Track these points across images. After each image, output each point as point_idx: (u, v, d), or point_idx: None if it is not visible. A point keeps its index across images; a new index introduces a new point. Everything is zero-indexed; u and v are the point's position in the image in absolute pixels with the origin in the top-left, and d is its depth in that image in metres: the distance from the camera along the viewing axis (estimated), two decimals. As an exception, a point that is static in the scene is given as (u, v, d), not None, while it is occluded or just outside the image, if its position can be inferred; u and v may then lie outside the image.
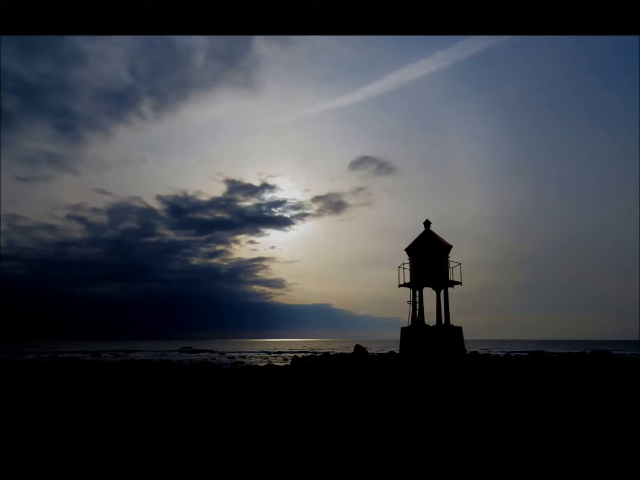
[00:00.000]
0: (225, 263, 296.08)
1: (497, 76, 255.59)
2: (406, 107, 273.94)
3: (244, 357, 53.33)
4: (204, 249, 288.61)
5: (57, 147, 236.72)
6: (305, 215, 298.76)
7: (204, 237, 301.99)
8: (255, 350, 78.39)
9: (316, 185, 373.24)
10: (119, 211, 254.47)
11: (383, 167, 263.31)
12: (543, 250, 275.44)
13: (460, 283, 25.75)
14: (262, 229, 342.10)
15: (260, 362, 40.20)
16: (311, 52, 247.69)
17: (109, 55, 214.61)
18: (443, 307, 25.62)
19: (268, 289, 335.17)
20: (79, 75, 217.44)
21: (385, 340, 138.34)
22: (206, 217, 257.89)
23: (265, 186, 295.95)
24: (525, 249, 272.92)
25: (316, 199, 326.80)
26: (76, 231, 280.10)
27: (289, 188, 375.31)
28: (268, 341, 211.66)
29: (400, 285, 26.59)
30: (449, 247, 26.09)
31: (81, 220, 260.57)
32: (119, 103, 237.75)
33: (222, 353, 66.95)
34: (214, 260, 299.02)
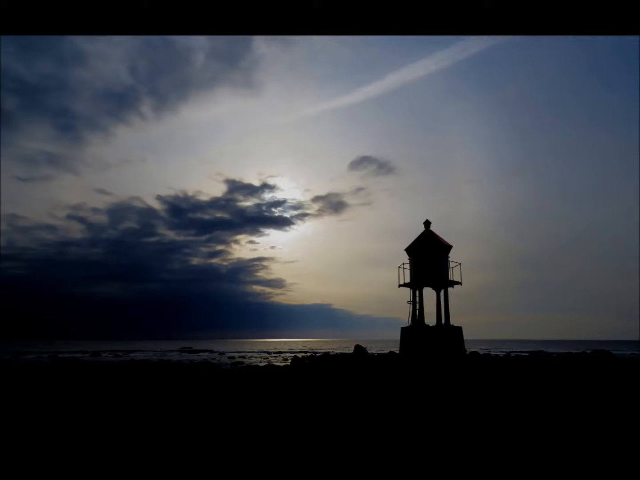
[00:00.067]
0: (225, 263, 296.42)
1: (497, 76, 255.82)
2: (406, 107, 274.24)
3: (244, 357, 53.33)
4: (204, 249, 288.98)
5: (57, 147, 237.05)
6: (305, 215, 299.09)
7: (204, 237, 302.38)
8: (255, 350, 78.39)
9: (316, 185, 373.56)
10: (119, 211, 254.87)
11: (383, 167, 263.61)
12: (543, 250, 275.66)
13: (460, 283, 25.75)
14: (262, 229, 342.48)
15: (260, 362, 40.20)
16: (311, 52, 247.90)
17: (109, 55, 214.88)
18: (443, 307, 25.62)
19: (268, 289, 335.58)
20: (79, 75, 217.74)
21: (385, 340, 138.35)
22: (206, 217, 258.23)
23: (265, 186, 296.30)
24: (525, 249, 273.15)
25: (316, 199, 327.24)
26: (76, 231, 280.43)
27: (289, 188, 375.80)
28: (268, 341, 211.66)
29: (400, 285, 26.60)
30: (449, 247, 26.09)
31: (81, 220, 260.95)
32: (119, 103, 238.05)
33: (222, 353, 66.96)
34: (214, 260, 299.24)
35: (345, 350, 50.00)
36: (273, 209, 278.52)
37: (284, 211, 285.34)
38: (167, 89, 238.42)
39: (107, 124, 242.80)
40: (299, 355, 41.55)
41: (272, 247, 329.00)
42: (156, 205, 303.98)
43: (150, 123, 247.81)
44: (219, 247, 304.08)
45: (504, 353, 47.29)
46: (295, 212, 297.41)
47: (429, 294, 26.15)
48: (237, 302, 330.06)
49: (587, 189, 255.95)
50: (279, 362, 37.73)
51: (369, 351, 32.38)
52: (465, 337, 25.62)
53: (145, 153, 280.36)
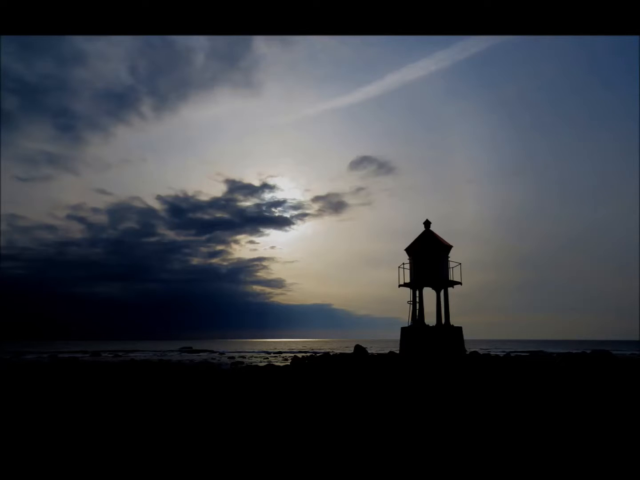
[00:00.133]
0: (225, 263, 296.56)
1: (497, 76, 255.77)
2: (406, 107, 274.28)
3: (244, 357, 53.33)
4: (204, 249, 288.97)
5: (57, 147, 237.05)
6: (305, 215, 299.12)
7: (204, 237, 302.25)
8: (255, 350, 78.38)
9: (316, 185, 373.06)
10: (119, 211, 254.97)
11: (383, 167, 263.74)
12: (543, 250, 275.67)
13: (460, 283, 25.75)
14: (262, 229, 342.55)
15: (260, 362, 40.19)
16: (311, 52, 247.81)
17: (109, 55, 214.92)
18: (443, 307, 25.62)
19: (268, 289, 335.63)
20: (79, 75, 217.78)
21: (385, 340, 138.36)
22: (206, 217, 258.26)
23: (265, 186, 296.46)
24: (525, 249, 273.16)
25: (316, 199, 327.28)
26: (76, 231, 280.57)
27: (289, 188, 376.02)
28: (268, 341, 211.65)
29: (400, 285, 26.59)
30: (449, 247, 26.09)
31: (81, 220, 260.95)
32: (119, 103, 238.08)
33: (222, 353, 66.96)
34: (214, 260, 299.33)
35: (345, 350, 49.99)
36: (273, 209, 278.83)
37: (284, 211, 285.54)
38: (167, 89, 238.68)
39: (107, 124, 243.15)
40: (299, 355, 41.55)
41: (272, 247, 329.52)
42: (156, 205, 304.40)
43: (150, 123, 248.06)
44: (219, 247, 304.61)
45: (504, 353, 47.29)
46: (295, 212, 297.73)
47: (429, 294, 26.18)
48: (237, 302, 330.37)
49: (587, 189, 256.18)
50: (279, 362, 37.73)
51: (369, 351, 32.38)
52: (465, 337, 25.62)
53: (145, 153, 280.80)
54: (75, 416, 9.55)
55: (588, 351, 31.97)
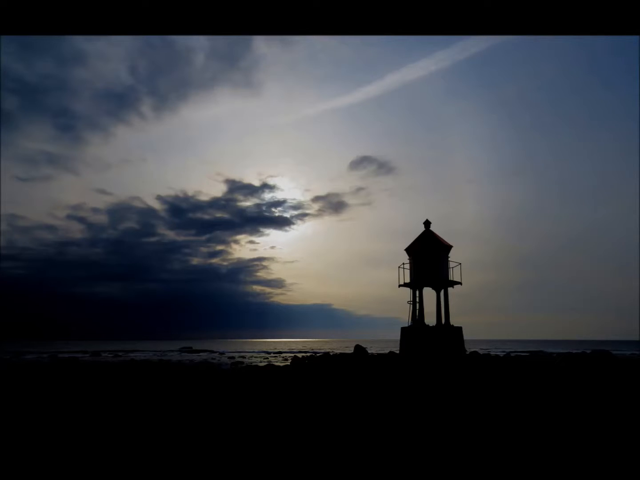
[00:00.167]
0: (225, 263, 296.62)
1: (497, 76, 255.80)
2: (406, 107, 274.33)
3: (244, 357, 53.32)
4: (204, 249, 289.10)
5: (57, 147, 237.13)
6: (305, 215, 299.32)
7: (204, 237, 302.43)
8: (255, 350, 78.38)
9: (316, 185, 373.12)
10: (119, 211, 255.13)
11: (383, 167, 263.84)
12: (543, 250, 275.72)
13: (460, 283, 25.75)
14: (262, 229, 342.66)
15: (260, 362, 40.19)
16: (311, 52, 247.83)
17: (109, 55, 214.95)
18: (443, 307, 25.62)
19: (268, 289, 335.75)
20: (79, 75, 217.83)
21: (385, 340, 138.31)
22: (206, 217, 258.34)
23: (265, 186, 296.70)
24: (525, 249, 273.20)
25: (316, 199, 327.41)
26: (76, 231, 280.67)
27: (289, 188, 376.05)
28: (268, 341, 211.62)
29: (400, 285, 26.59)
30: (449, 247, 26.09)
31: (81, 220, 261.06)
32: (119, 103, 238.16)
33: (222, 353, 66.96)
34: (214, 260, 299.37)
35: (345, 350, 49.99)
36: (273, 209, 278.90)
37: (284, 211, 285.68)
38: (167, 89, 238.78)
39: (107, 124, 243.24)
40: (299, 355, 41.55)
41: (272, 247, 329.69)
42: (156, 205, 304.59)
43: (150, 123, 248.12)
44: (219, 247, 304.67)
45: (504, 353, 47.30)
46: (295, 212, 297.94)
47: (429, 294, 26.18)
48: (237, 302, 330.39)
49: (587, 189, 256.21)
50: (279, 362, 37.73)
51: (369, 351, 32.38)
52: (465, 337, 25.62)
53: (145, 153, 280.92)
54: (76, 416, 9.55)
55: (588, 351, 31.97)
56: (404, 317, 26.20)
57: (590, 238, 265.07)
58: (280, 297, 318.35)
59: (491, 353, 37.04)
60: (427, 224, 26.90)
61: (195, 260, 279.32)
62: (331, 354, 31.35)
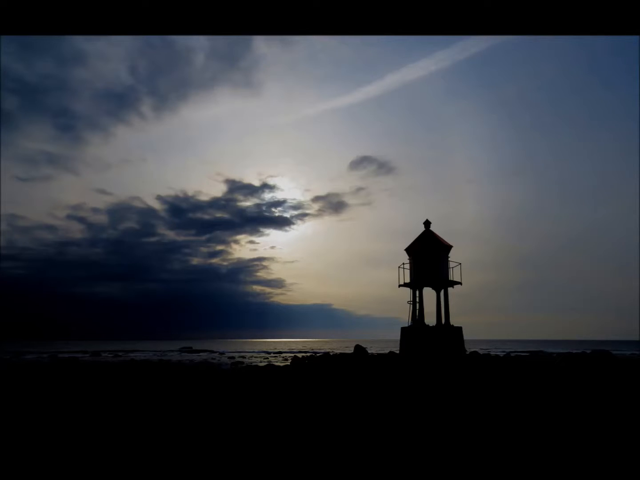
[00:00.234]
0: (225, 263, 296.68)
1: (497, 76, 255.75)
2: (406, 107, 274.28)
3: (244, 357, 53.33)
4: (204, 249, 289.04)
5: (57, 147, 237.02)
6: (305, 215, 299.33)
7: (204, 237, 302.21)
8: (255, 350, 78.38)
9: (316, 185, 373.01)
10: (119, 211, 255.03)
11: (383, 167, 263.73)
12: (543, 250, 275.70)
13: (460, 283, 25.75)
14: (262, 229, 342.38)
15: (260, 362, 40.20)
16: (311, 52, 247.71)
17: (109, 55, 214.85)
18: (443, 307, 25.62)
19: (268, 289, 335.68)
20: (79, 75, 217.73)
21: (385, 340, 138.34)
22: (206, 217, 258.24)
23: (265, 186, 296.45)
24: (525, 249, 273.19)
25: (316, 199, 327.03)
26: (76, 231, 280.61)
27: (289, 188, 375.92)
28: (268, 341, 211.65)
29: (400, 285, 26.60)
30: (449, 247, 26.10)
31: (81, 220, 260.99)
32: (119, 103, 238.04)
33: (222, 353, 66.97)
34: (214, 260, 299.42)
35: (345, 350, 49.99)
36: (273, 209, 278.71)
37: (284, 211, 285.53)
38: (167, 89, 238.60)
39: (107, 124, 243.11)
40: (299, 355, 41.56)
41: (272, 247, 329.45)
42: (156, 205, 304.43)
43: (150, 123, 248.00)
44: (219, 247, 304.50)
45: (504, 353, 47.31)
46: (295, 212, 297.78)
47: (429, 294, 26.18)
48: (237, 302, 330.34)
49: (587, 189, 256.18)
50: (279, 362, 37.73)
51: (369, 351, 32.38)
52: (465, 337, 25.62)
53: (145, 153, 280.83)
54: (76, 416, 9.55)
55: (588, 351, 31.97)
56: (404, 317, 26.24)
57: (590, 238, 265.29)
58: (280, 297, 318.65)
59: (491, 353, 37.04)
60: (427, 224, 26.91)
61: (195, 260, 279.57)
62: (331, 354, 31.35)
